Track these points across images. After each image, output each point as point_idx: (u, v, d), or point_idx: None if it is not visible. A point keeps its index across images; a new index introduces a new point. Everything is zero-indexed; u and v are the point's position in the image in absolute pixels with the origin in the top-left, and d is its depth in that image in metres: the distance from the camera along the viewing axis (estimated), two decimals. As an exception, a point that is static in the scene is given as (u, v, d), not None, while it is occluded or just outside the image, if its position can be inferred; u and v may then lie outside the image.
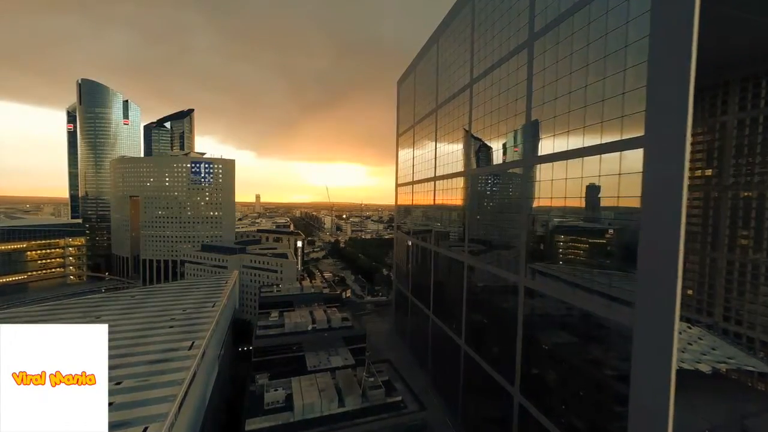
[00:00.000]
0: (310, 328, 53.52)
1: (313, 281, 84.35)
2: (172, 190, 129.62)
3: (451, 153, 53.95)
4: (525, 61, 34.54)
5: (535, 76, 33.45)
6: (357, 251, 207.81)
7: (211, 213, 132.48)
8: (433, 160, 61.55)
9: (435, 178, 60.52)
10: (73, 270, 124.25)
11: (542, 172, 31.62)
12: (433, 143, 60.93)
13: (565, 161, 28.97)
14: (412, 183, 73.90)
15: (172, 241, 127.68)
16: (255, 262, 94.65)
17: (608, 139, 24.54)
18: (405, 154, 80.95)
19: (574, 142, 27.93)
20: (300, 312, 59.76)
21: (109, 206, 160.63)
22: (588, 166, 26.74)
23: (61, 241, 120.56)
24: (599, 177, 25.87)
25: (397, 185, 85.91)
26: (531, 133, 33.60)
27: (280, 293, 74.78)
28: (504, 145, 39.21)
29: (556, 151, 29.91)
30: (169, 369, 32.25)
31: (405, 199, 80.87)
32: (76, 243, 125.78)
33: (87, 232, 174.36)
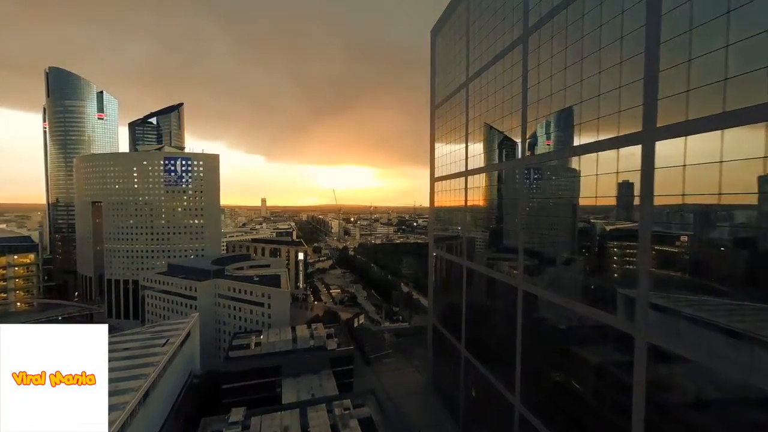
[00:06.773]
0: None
1: (316, 330, 56.49)
2: (142, 194, 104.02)
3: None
4: None
5: None
6: (368, 260, 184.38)
7: (191, 221, 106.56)
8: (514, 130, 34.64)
9: (527, 160, 33.55)
10: (20, 294, 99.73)
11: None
12: (520, 94, 33.71)
13: None
14: (465, 174, 46.95)
15: (141, 257, 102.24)
16: (234, 290, 68.19)
17: None
18: (446, 133, 54.25)
19: None
20: (288, 413, 32.43)
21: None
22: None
23: (3, 260, 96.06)
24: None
25: (434, 180, 58.85)
26: None
27: (260, 348, 48.11)
28: None
29: None
30: None
31: (446, 200, 54.10)
32: (23, 261, 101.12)
33: (59, 244, 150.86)
